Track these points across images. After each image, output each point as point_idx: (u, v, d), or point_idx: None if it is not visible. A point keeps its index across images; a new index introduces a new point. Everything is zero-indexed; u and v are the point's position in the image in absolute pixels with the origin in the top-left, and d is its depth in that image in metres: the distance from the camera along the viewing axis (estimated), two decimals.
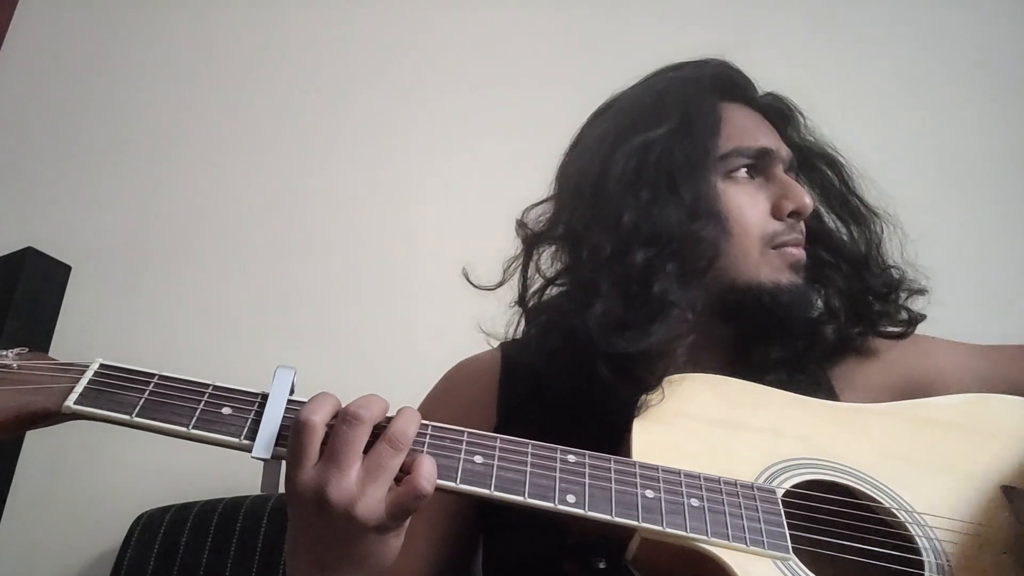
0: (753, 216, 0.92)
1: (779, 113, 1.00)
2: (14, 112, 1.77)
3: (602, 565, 0.75)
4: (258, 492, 1.43)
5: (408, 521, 0.69)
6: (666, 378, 0.85)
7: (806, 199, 0.91)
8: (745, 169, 0.93)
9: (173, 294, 1.67)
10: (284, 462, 0.68)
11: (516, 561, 0.90)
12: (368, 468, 0.65)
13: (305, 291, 1.67)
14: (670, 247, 0.87)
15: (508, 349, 1.02)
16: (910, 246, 1.01)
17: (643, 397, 0.82)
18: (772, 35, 1.80)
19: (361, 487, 0.64)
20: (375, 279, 1.67)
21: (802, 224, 0.94)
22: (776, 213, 0.92)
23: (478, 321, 1.01)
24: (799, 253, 0.93)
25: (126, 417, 0.68)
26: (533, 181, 1.01)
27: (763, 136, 0.94)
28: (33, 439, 1.55)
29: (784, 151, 0.95)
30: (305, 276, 1.68)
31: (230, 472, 1.55)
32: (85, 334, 1.63)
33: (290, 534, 0.70)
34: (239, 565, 1.35)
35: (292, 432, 0.67)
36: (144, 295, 1.67)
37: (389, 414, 0.71)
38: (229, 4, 1.89)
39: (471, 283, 1.02)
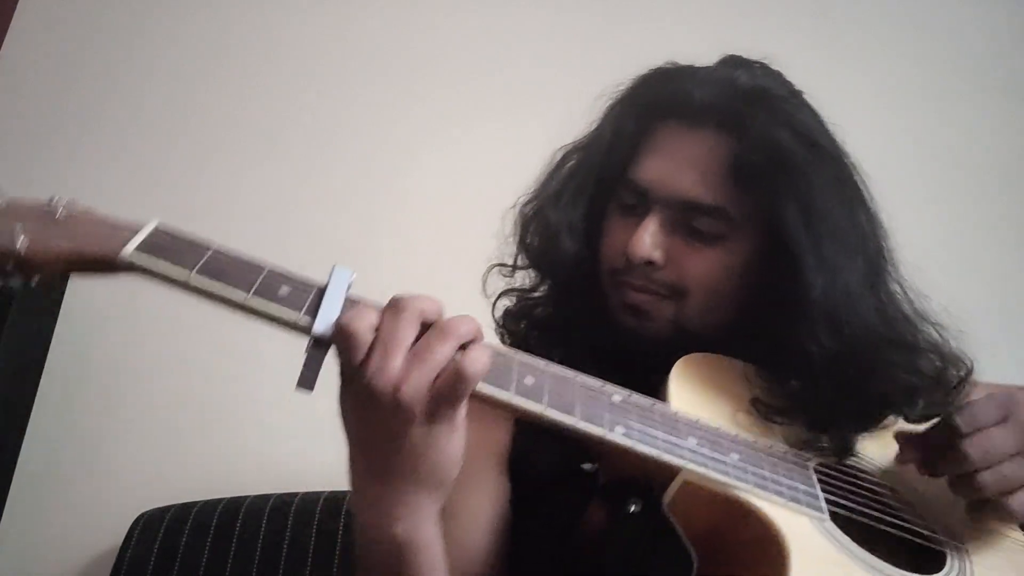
0: (610, 246, 0.93)
1: (730, 119, 0.88)
2: (14, 112, 1.77)
3: (635, 508, 0.73)
4: (259, 492, 1.44)
5: (463, 431, 0.66)
6: (695, 354, 0.84)
7: (636, 246, 0.87)
8: (633, 200, 0.92)
9: (173, 291, 1.67)
10: (326, 353, 0.66)
11: (538, 528, 0.89)
12: (415, 353, 0.63)
13: None
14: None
15: (519, 344, 1.01)
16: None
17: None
18: (773, 34, 1.80)
19: (406, 370, 0.62)
20: (380, 278, 1.67)
21: (658, 274, 0.89)
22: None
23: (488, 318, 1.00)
24: (635, 297, 0.90)
25: (184, 274, 0.64)
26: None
27: (668, 173, 0.89)
28: (33, 438, 1.55)
29: (678, 193, 0.88)
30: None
31: (230, 472, 1.55)
32: (85, 333, 1.62)
33: (348, 450, 0.68)
34: (239, 565, 1.35)
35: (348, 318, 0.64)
36: (144, 294, 1.66)
37: None
38: (228, 3, 1.89)
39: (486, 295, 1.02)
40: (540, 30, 1.87)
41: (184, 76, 1.82)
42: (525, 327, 1.00)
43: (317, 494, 1.43)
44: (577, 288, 0.95)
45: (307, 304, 0.66)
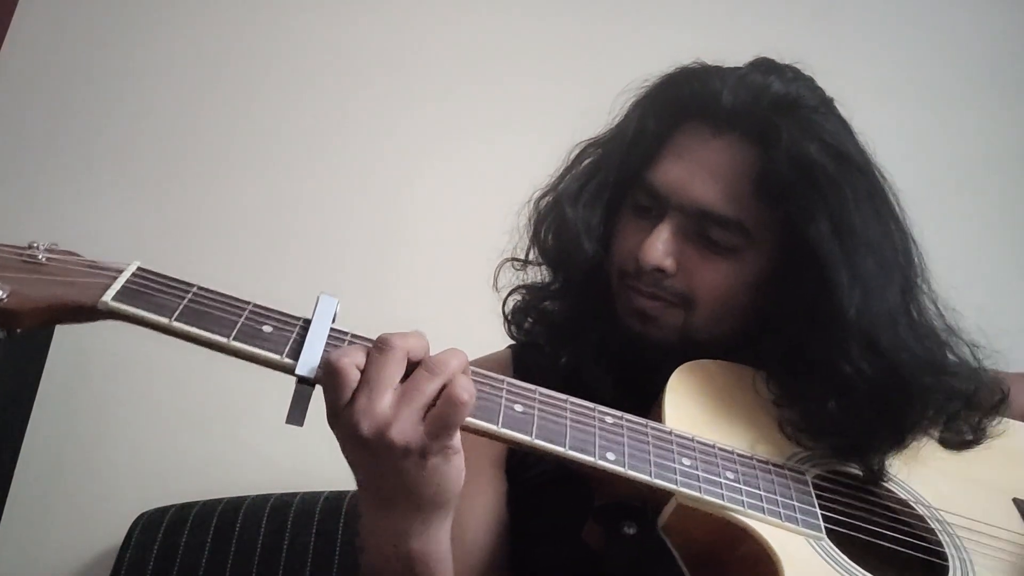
0: (621, 248, 0.91)
1: (757, 129, 0.85)
2: (14, 112, 1.77)
3: (631, 530, 0.72)
4: (258, 492, 1.44)
5: (461, 452, 0.66)
6: (693, 362, 0.84)
7: (647, 252, 0.85)
8: (648, 202, 0.89)
9: None
10: (314, 391, 0.65)
11: (538, 530, 0.88)
12: (403, 392, 0.62)
13: (305, 297, 1.67)
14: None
15: (518, 350, 1.02)
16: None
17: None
18: (772, 35, 1.80)
19: (395, 410, 0.62)
20: (383, 282, 1.67)
21: (668, 282, 0.86)
22: None
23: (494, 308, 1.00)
24: (642, 303, 0.88)
25: (164, 321, 0.63)
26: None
27: (686, 178, 0.86)
28: (33, 438, 1.56)
29: (695, 200, 0.85)
30: (309, 280, 1.68)
31: (230, 472, 1.55)
32: (85, 334, 1.62)
33: (353, 473, 0.68)
34: (239, 565, 1.35)
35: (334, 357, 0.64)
36: None
37: None
38: (231, 10, 1.88)
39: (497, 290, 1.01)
40: (543, 37, 1.86)
41: (184, 82, 1.81)
42: (532, 322, 0.98)
43: (317, 494, 1.43)
44: (589, 288, 0.93)
45: (290, 343, 0.65)
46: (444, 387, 0.63)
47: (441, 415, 0.62)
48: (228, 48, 1.83)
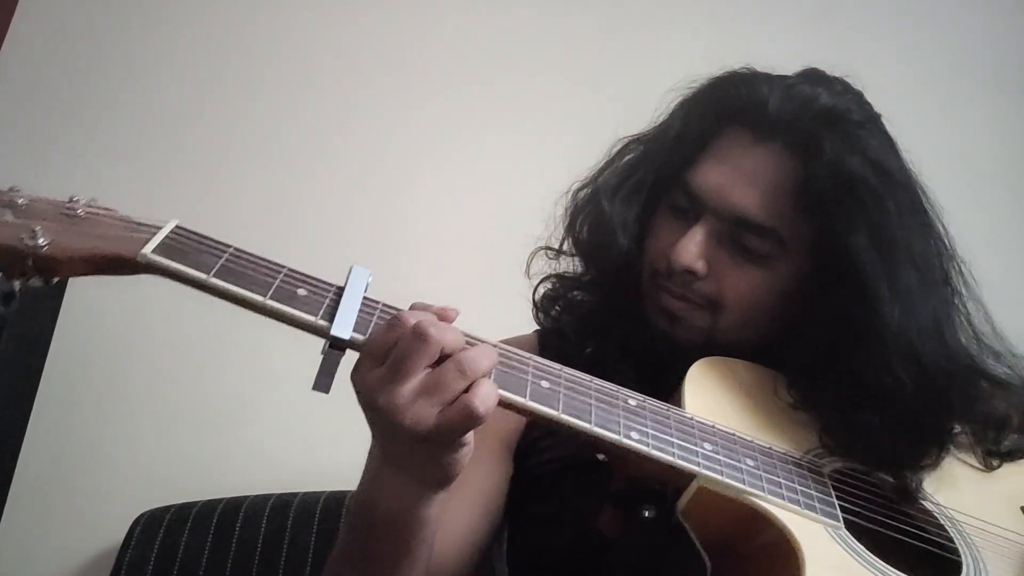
0: (655, 246, 0.92)
1: (800, 140, 0.85)
2: (14, 112, 1.77)
3: (650, 514, 0.73)
4: (258, 492, 1.44)
5: (471, 443, 0.66)
6: (714, 357, 0.85)
7: (679, 254, 0.86)
8: (685, 203, 0.89)
9: (174, 292, 1.66)
10: (343, 356, 0.65)
11: (553, 514, 0.89)
12: (427, 384, 0.62)
13: None
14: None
15: (544, 335, 1.02)
16: None
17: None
18: (774, 36, 1.81)
19: (412, 399, 0.62)
20: (384, 281, 1.67)
21: (698, 284, 0.87)
22: None
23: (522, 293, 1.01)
24: (671, 303, 0.89)
25: (203, 276, 0.64)
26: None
27: (725, 184, 0.86)
28: (33, 438, 1.55)
29: (732, 206, 0.86)
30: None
31: (230, 472, 1.55)
32: (85, 333, 1.62)
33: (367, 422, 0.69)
34: (239, 565, 1.35)
35: (384, 326, 0.65)
36: (144, 294, 1.66)
37: None
38: (230, 2, 1.88)
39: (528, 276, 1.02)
40: (543, 36, 1.87)
41: (186, 80, 1.81)
42: (560, 311, 0.99)
43: (317, 494, 1.43)
44: (619, 283, 0.93)
45: (324, 307, 0.66)
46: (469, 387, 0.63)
47: (454, 419, 0.62)
48: (228, 47, 1.83)
